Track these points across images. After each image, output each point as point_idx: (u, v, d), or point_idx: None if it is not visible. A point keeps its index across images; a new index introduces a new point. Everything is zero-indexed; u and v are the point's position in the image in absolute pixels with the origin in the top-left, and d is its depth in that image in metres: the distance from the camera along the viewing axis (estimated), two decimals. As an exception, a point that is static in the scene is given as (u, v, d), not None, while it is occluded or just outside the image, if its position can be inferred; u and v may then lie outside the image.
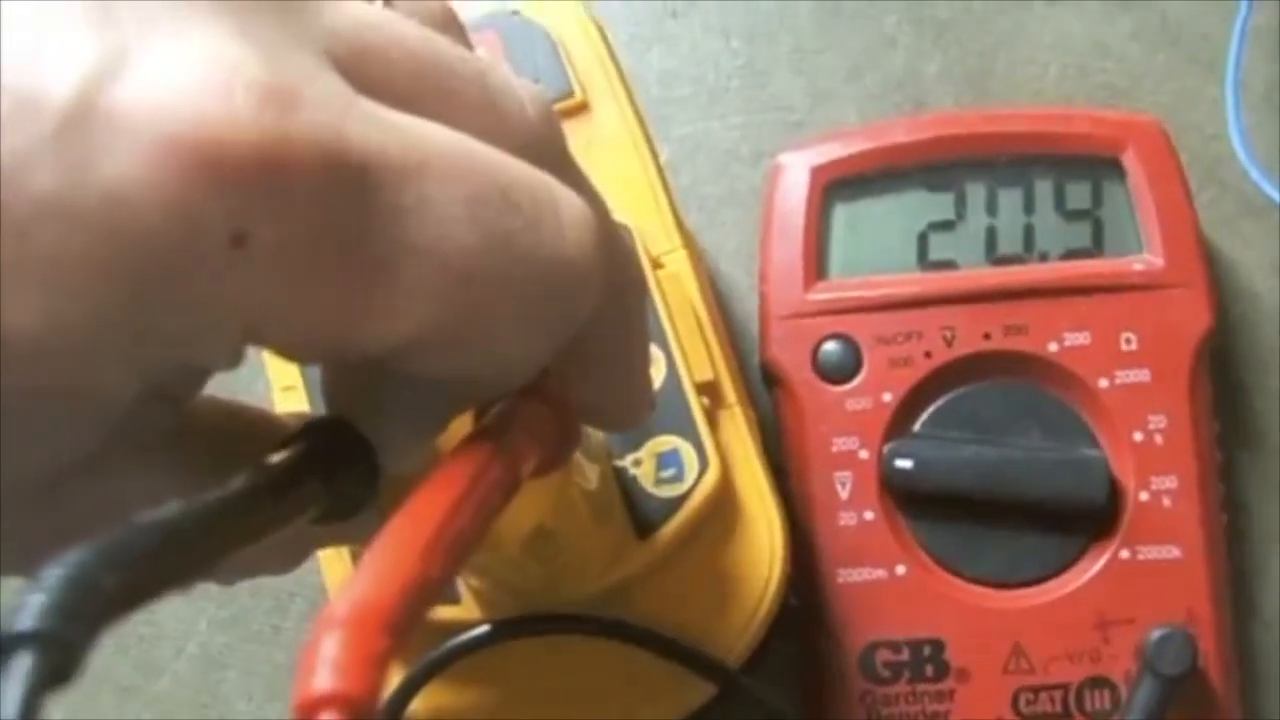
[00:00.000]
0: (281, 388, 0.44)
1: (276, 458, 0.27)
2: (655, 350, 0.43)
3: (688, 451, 0.42)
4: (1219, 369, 0.50)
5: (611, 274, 0.29)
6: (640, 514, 0.42)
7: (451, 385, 0.28)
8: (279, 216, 0.22)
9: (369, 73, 0.25)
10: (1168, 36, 0.55)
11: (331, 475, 0.28)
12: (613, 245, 0.29)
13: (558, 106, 0.45)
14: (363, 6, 0.26)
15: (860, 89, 0.56)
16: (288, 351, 0.26)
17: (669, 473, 0.42)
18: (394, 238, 0.24)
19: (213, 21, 0.23)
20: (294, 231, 0.22)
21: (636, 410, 0.35)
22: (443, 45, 0.27)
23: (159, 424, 0.27)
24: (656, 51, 0.57)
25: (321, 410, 0.30)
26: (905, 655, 0.47)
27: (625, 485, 0.42)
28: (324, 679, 0.21)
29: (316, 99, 0.23)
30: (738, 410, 0.45)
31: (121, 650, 0.52)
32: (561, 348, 0.28)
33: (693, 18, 0.57)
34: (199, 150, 0.21)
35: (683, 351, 0.44)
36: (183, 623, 0.53)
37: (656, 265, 0.45)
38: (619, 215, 0.43)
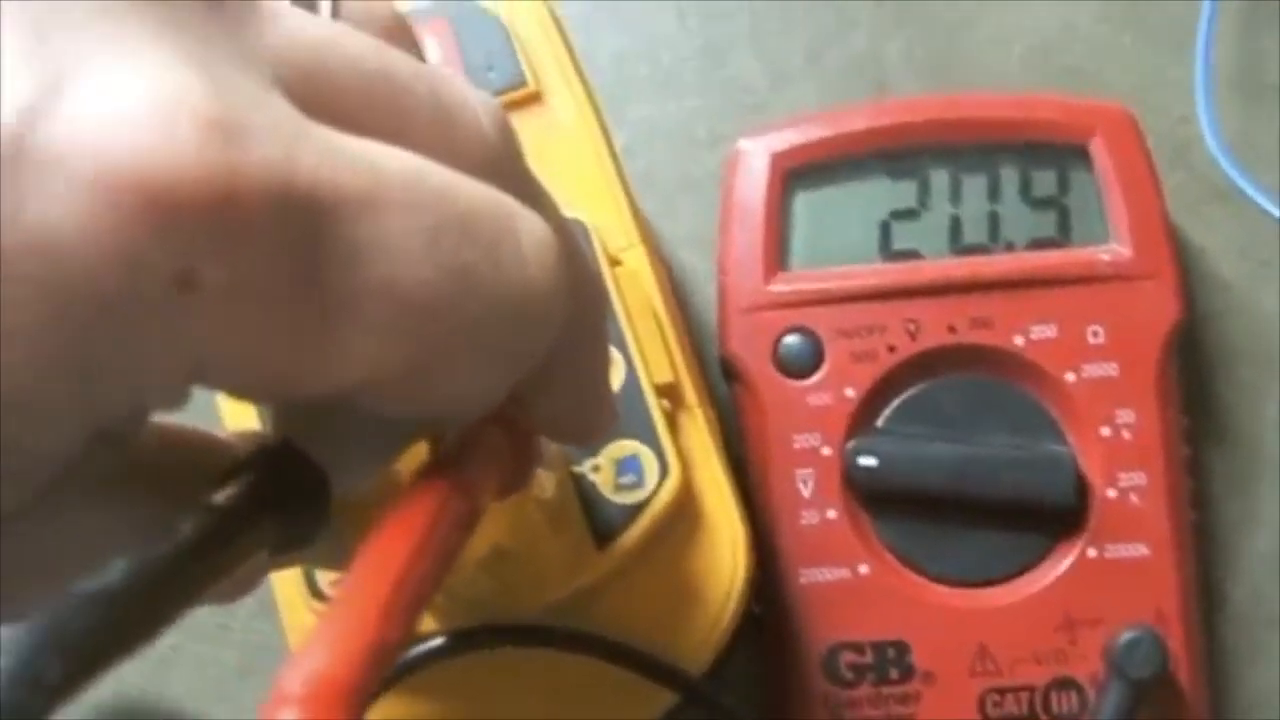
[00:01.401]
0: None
1: (224, 495, 0.25)
2: (614, 352, 0.41)
3: (648, 457, 0.41)
4: (1185, 358, 0.49)
5: (574, 294, 0.27)
6: (599, 521, 0.41)
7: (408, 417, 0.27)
8: (227, 257, 0.21)
9: (318, 94, 0.24)
10: (1135, 17, 0.54)
11: (281, 509, 0.26)
12: (575, 263, 0.28)
13: (510, 97, 0.44)
14: (309, 21, 0.25)
15: (820, 70, 0.54)
16: (237, 393, 0.25)
17: (629, 479, 0.41)
18: (348, 276, 0.22)
19: (153, 46, 0.21)
20: (243, 272, 0.21)
21: (599, 424, 0.34)
22: (394, 59, 0.26)
23: (101, 465, 0.26)
24: (610, 32, 0.55)
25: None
26: (869, 657, 0.46)
27: (584, 492, 0.41)
28: (280, 761, 0.20)
29: (265, 128, 0.21)
30: (698, 412, 0.43)
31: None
32: (524, 376, 0.27)
33: (648, -4, 0.55)
34: (140, 190, 0.20)
35: (642, 353, 0.42)
36: (127, 623, 0.52)
37: (614, 263, 0.43)
38: (575, 211, 0.42)
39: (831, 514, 0.46)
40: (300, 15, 0.25)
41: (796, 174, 0.49)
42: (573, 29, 0.47)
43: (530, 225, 0.26)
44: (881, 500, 0.47)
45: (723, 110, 0.54)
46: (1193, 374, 0.50)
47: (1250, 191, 0.48)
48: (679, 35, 0.55)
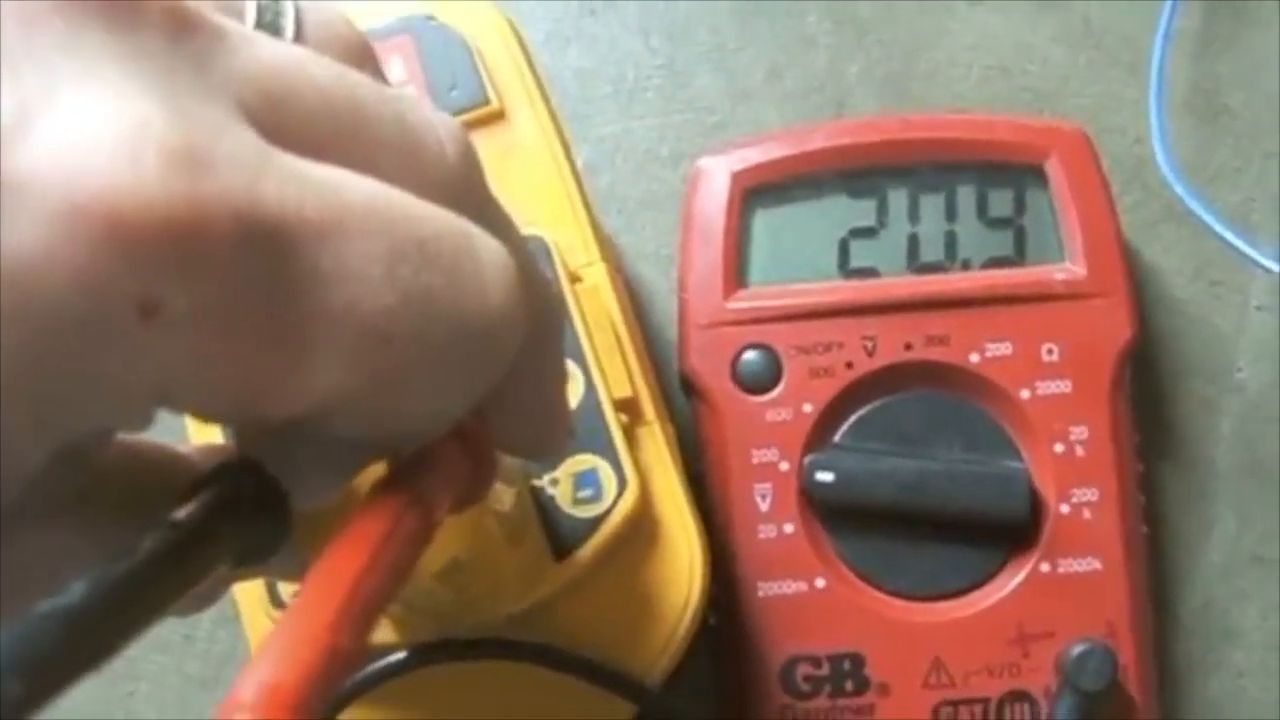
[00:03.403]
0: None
1: (185, 511, 0.26)
2: (573, 367, 0.42)
3: (606, 471, 0.42)
4: (1138, 376, 0.50)
5: (532, 316, 0.28)
6: (557, 534, 0.41)
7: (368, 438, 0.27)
8: (191, 285, 0.21)
9: (282, 120, 0.24)
10: (1090, 39, 0.55)
11: (242, 525, 0.27)
12: (533, 286, 0.28)
13: (473, 115, 0.45)
14: (274, 47, 0.25)
15: (781, 90, 0.55)
16: (199, 415, 0.25)
17: (587, 493, 0.42)
18: (310, 302, 0.23)
19: (119, 76, 0.21)
20: (207, 300, 0.21)
21: (555, 441, 0.34)
22: (359, 85, 0.26)
23: (63, 483, 0.26)
24: (574, 50, 0.56)
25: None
26: (825, 669, 0.46)
27: (542, 505, 0.41)
28: (231, 769, 0.20)
29: (229, 158, 0.22)
30: (656, 427, 0.44)
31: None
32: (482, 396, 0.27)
33: (611, 15, 0.56)
34: (106, 219, 0.20)
35: (601, 368, 0.43)
36: (90, 634, 0.52)
37: (574, 279, 0.44)
38: (537, 227, 0.42)
39: (789, 528, 0.47)
40: (266, 41, 0.25)
41: (756, 192, 0.50)
42: (536, 47, 0.48)
43: (489, 250, 0.26)
44: (838, 515, 0.47)
45: (684, 128, 0.55)
46: (1146, 391, 0.51)
47: (1202, 212, 0.48)
48: (642, 54, 0.56)
